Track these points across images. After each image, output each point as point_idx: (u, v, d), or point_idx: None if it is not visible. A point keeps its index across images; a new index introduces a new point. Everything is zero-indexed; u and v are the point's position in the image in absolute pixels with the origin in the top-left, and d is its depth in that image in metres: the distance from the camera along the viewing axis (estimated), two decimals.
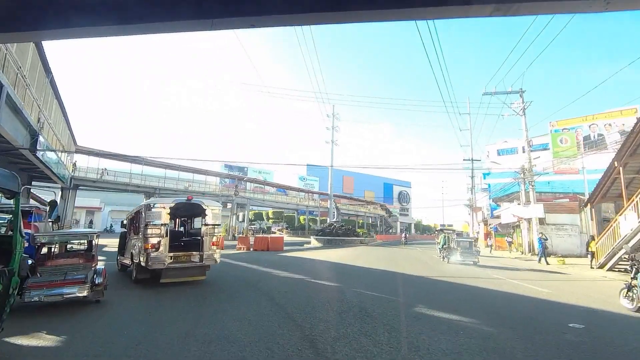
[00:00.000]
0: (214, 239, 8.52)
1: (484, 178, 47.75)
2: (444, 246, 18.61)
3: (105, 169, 31.78)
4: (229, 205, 43.98)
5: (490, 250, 25.34)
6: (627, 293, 6.75)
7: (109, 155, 31.32)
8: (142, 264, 7.72)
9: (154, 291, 7.44)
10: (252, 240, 23.05)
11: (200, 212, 8.78)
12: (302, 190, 56.73)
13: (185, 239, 10.04)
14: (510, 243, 25.23)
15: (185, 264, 8.12)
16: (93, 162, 30.92)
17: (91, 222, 46.58)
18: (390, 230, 71.55)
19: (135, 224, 9.08)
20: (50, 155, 19.26)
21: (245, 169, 66.16)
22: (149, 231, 7.77)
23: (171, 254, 7.92)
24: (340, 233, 29.83)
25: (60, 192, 28.58)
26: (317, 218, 54.98)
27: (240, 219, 46.48)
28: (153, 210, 7.91)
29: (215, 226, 8.63)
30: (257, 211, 56.85)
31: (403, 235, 40.24)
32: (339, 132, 61.43)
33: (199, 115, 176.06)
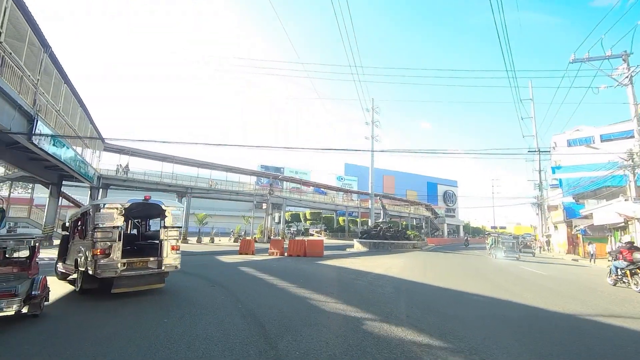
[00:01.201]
0: (173, 242, 7.60)
1: (553, 172, 40.48)
2: (492, 246, 24.36)
3: (127, 165, 29.72)
4: (264, 206, 40.94)
5: (592, 259, 19.30)
6: (609, 274, 10.66)
7: (138, 153, 29.31)
8: (90, 272, 6.65)
9: (102, 304, 6.26)
10: (286, 243, 19.31)
11: (158, 213, 7.86)
12: (341, 190, 52.53)
13: (139, 243, 9.32)
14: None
15: (141, 271, 7.11)
16: (118, 162, 29.03)
17: None
18: (436, 233, 65.07)
19: (81, 226, 7.81)
20: (61, 151, 16.78)
21: (282, 169, 63.37)
22: (99, 235, 6.67)
23: (124, 260, 6.89)
24: (388, 236, 25.21)
25: (89, 192, 26.94)
26: (358, 219, 50.50)
27: (277, 220, 43.26)
28: (103, 211, 6.82)
29: (176, 228, 7.69)
30: (293, 212, 53.54)
31: (465, 238, 35.37)
32: (379, 127, 56.80)
33: (232, 111, 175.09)
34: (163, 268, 7.32)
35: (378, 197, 30.95)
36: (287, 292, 7.74)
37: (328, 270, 12.42)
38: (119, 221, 6.86)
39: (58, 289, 7.64)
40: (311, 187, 52.81)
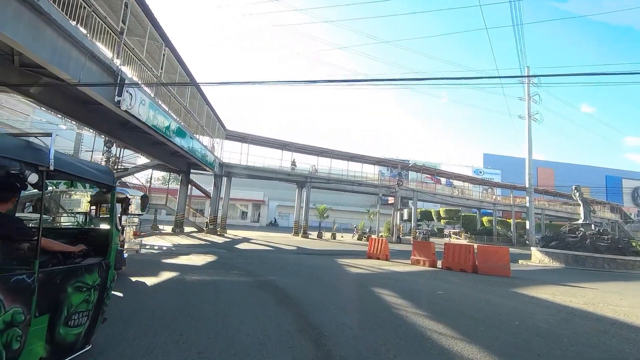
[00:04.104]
0: (134, 229, 8.49)
1: None
2: None
3: (294, 161, 28.25)
4: (391, 200, 34.43)
5: None
6: None
7: (258, 140, 27.10)
8: None
9: None
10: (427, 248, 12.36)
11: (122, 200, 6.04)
12: (486, 184, 41.28)
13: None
14: None
15: None
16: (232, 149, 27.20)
17: (259, 215, 46.32)
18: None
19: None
20: (169, 128, 14.33)
21: (407, 161, 55.56)
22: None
23: None
24: (601, 247, 15.16)
25: (213, 180, 25.96)
26: (510, 220, 38.56)
27: (405, 216, 36.12)
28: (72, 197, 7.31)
29: (138, 216, 8.18)
30: (422, 209, 45.13)
31: None
32: (538, 103, 43.15)
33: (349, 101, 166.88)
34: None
35: (575, 189, 20.23)
36: None
37: (594, 332, 5.10)
38: (86, 207, 6.88)
39: None
40: (443, 181, 43.47)
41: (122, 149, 23.34)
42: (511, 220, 37.93)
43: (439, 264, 11.70)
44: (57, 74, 8.37)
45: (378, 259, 13.27)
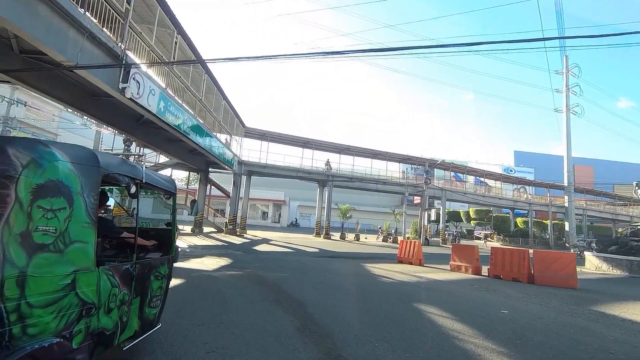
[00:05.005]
0: None
1: None
2: None
3: (327, 161, 27.30)
4: (417, 200, 32.46)
5: None
6: None
7: (278, 138, 26.00)
8: None
9: None
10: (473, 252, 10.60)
11: None
12: (521, 182, 38.29)
13: None
14: None
15: None
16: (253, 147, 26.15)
17: (279, 215, 45.35)
18: None
19: None
20: (180, 121, 13.34)
21: (435, 159, 52.96)
22: None
23: None
24: None
25: (232, 179, 25.08)
26: (548, 222, 35.47)
27: (433, 217, 33.97)
28: None
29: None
30: (449, 209, 42.58)
31: None
32: (579, 95, 39.70)
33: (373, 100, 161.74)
34: None
35: (637, 185, 17.67)
36: None
37: None
38: None
39: None
40: (470, 179, 40.75)
41: (142, 148, 22.90)
42: (548, 221, 34.84)
43: (484, 270, 9.98)
44: (52, 55, 7.44)
45: (410, 263, 11.66)
